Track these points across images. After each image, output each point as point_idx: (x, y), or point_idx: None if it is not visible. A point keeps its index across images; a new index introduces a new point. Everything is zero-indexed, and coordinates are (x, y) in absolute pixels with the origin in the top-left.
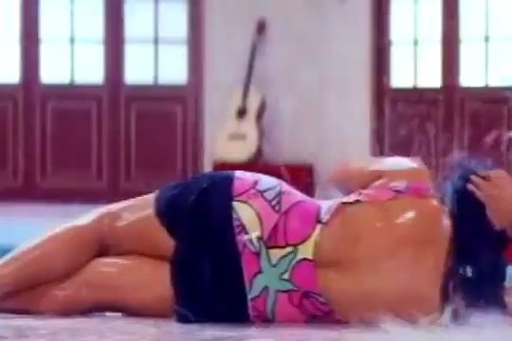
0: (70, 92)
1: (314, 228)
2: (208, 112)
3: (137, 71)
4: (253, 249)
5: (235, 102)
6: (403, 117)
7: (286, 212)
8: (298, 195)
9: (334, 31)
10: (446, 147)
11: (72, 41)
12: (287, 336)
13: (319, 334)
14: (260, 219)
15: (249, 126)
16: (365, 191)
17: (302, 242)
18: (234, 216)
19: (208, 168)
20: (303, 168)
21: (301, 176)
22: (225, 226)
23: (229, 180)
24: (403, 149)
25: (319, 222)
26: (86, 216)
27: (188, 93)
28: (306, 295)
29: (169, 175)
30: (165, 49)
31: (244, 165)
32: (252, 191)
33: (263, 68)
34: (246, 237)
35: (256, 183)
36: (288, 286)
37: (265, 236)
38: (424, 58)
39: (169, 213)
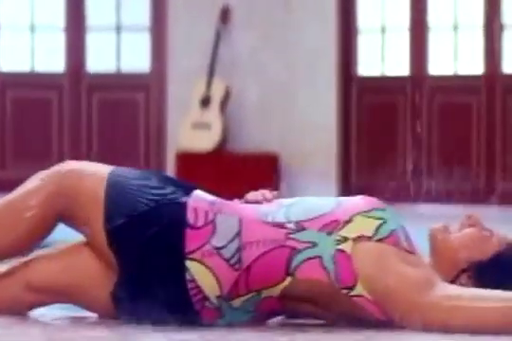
0: (30, 80)
1: (283, 280)
2: (171, 100)
3: (100, 59)
4: (212, 305)
5: (199, 91)
6: (370, 106)
7: (248, 268)
8: (264, 237)
9: (300, 18)
10: (414, 134)
11: (32, 28)
12: None
13: None
14: (217, 279)
15: (214, 115)
16: None
17: (268, 288)
18: (188, 277)
19: (171, 157)
20: (269, 157)
21: (267, 166)
22: (178, 288)
23: (182, 229)
24: (370, 138)
25: (288, 274)
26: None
27: (151, 81)
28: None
29: (131, 165)
30: (128, 37)
31: (208, 154)
32: (207, 248)
33: (227, 56)
34: (205, 303)
35: (213, 233)
36: (252, 314)
37: (225, 293)
38: (392, 46)
39: (117, 242)
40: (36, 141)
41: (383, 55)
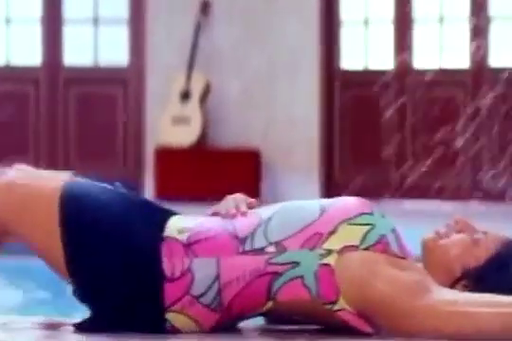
0: (6, 74)
1: (264, 304)
2: (150, 95)
3: (77, 53)
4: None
5: (179, 85)
6: (354, 100)
7: (229, 306)
8: (244, 270)
9: (282, 11)
10: (399, 129)
11: (8, 21)
12: None
13: None
14: (198, 323)
15: (193, 109)
16: None
17: (249, 312)
18: (168, 325)
19: (150, 152)
20: (250, 152)
21: (248, 161)
22: (155, 328)
23: (159, 284)
24: (353, 132)
25: (269, 299)
26: None
27: (129, 75)
28: None
29: (110, 161)
30: (105, 30)
31: (188, 150)
32: (187, 299)
33: (207, 49)
34: None
35: (191, 283)
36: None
37: (206, 329)
38: (376, 39)
39: (86, 296)
40: (12, 136)
41: (366, 48)
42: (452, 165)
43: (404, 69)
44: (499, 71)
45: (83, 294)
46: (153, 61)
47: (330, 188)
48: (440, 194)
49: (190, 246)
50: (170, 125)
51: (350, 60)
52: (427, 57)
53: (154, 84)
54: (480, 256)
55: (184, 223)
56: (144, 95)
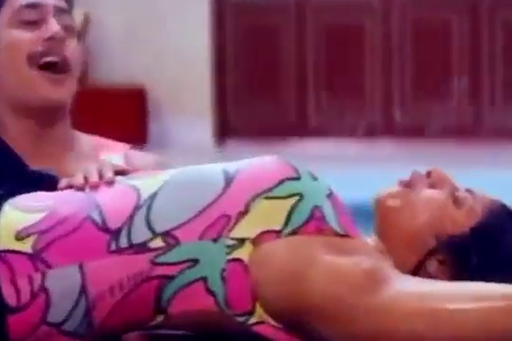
0: None
1: (151, 320)
2: None
3: None
4: None
5: None
6: (248, 30)
7: (103, 327)
8: (120, 277)
9: None
10: (299, 63)
11: None
12: None
13: None
14: None
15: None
16: None
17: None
18: None
19: None
20: (136, 91)
21: (134, 101)
22: None
23: (2, 318)
24: (248, 67)
25: (159, 312)
26: None
27: None
28: None
29: None
30: None
31: None
32: (43, 330)
33: None
34: None
35: (47, 307)
36: None
37: None
38: None
39: None
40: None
41: None
42: (361, 100)
43: None
44: None
45: None
46: None
47: (224, 132)
48: (348, 134)
49: (39, 255)
50: None
51: None
52: None
53: None
54: (462, 222)
55: (24, 218)
56: None
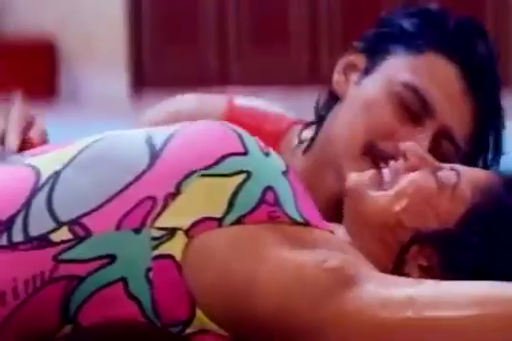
0: None
1: (58, 330)
2: None
3: None
4: None
5: None
6: None
7: None
8: (15, 283)
9: None
10: (217, 11)
11: None
12: None
13: None
14: None
15: None
16: None
17: None
18: None
19: None
20: (45, 45)
21: (43, 55)
22: None
23: None
24: (167, 16)
25: (66, 321)
26: None
27: None
28: None
29: None
30: None
31: None
32: None
33: None
34: None
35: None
36: None
37: None
38: None
39: None
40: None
41: None
42: (285, 46)
43: None
44: None
45: None
46: None
47: (141, 81)
48: (273, 82)
49: None
50: None
51: None
52: None
53: None
54: (449, 210)
55: None
56: None
